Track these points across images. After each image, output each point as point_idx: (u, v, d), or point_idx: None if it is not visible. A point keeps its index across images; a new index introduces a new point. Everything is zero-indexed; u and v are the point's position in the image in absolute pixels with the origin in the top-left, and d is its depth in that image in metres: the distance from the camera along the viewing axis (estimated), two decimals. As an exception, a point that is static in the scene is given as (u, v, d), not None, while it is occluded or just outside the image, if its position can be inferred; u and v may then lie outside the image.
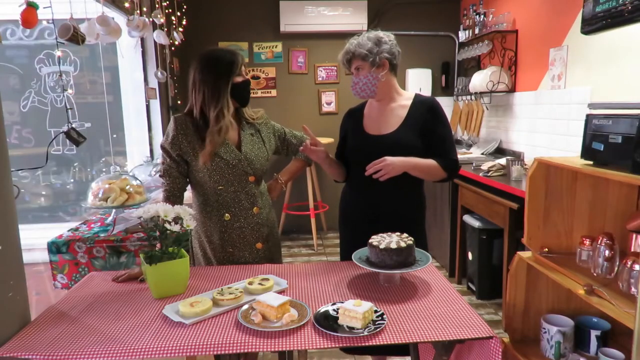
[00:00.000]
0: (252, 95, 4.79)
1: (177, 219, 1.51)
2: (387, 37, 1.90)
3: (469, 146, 4.44)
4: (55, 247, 2.09)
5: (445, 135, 1.91)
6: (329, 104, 5.03)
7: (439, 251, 4.04)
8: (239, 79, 1.80)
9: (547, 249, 1.72)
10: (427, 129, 1.89)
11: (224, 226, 1.83)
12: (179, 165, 1.80)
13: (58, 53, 2.12)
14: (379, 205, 1.93)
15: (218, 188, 1.80)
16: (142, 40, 3.40)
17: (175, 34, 3.57)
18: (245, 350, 1.18)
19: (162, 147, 1.81)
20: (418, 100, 1.95)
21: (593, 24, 2.67)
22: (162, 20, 3.02)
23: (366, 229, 1.81)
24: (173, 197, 1.80)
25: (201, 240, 1.89)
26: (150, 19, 2.98)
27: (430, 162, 1.86)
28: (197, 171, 1.79)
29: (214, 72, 1.75)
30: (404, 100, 1.96)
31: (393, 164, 1.75)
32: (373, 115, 1.99)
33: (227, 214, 1.83)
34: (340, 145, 2.10)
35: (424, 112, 1.91)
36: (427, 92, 4.85)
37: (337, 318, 1.29)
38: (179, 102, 4.20)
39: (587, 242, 1.59)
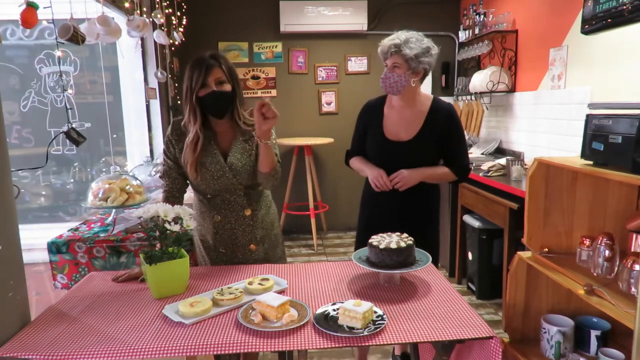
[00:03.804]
0: (252, 95, 4.85)
1: (177, 219, 1.51)
2: (434, 49, 1.93)
3: (469, 146, 4.44)
4: (55, 247, 2.09)
5: (461, 142, 2.03)
6: (329, 104, 5.03)
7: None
8: (202, 92, 1.68)
9: (547, 249, 1.72)
10: (445, 136, 1.99)
11: (216, 227, 1.84)
12: (179, 167, 1.81)
13: (58, 53, 2.12)
14: (399, 202, 2.00)
15: (207, 196, 1.82)
16: (142, 40, 3.40)
17: (175, 34, 3.57)
18: (245, 350, 1.18)
19: (164, 149, 1.83)
20: (436, 107, 2.01)
21: (593, 24, 2.67)
22: (162, 20, 3.02)
23: (386, 225, 1.89)
24: (172, 197, 1.80)
25: (196, 239, 1.92)
26: (150, 19, 2.98)
27: (443, 170, 2.00)
28: (189, 177, 1.80)
29: (185, 82, 1.71)
30: (423, 104, 2.02)
31: (410, 176, 1.92)
32: (393, 118, 2.04)
33: (217, 216, 1.82)
34: (360, 140, 2.13)
35: (443, 120, 1.99)
36: (427, 92, 4.82)
37: (337, 318, 1.28)
38: (179, 102, 4.20)
39: (587, 242, 1.59)
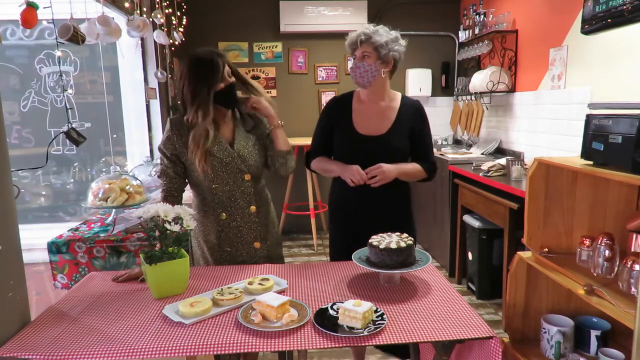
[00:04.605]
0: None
1: (177, 219, 1.51)
2: (403, 40, 1.95)
3: (469, 146, 4.44)
4: (55, 247, 2.09)
5: (429, 140, 2.05)
6: (329, 104, 5.03)
7: (439, 251, 4.04)
8: (221, 86, 1.75)
9: (547, 249, 1.72)
10: (415, 132, 1.99)
11: (221, 225, 1.83)
12: (176, 165, 1.80)
13: (58, 53, 2.12)
14: (371, 199, 1.96)
15: (213, 186, 1.80)
16: (142, 40, 3.40)
17: (175, 34, 3.57)
18: (245, 350, 1.18)
19: (159, 148, 1.82)
20: (406, 102, 2.02)
21: (593, 24, 2.67)
22: (162, 20, 3.02)
23: (359, 223, 1.88)
24: (171, 197, 1.79)
25: (199, 240, 1.89)
26: (150, 19, 2.98)
27: (416, 166, 1.98)
28: (193, 170, 1.79)
29: (194, 80, 1.72)
30: (393, 101, 2.01)
31: (389, 171, 1.86)
32: (363, 113, 2.00)
33: (223, 213, 1.82)
34: (325, 137, 2.05)
35: (413, 116, 2.00)
36: (427, 92, 4.85)
37: (337, 318, 1.28)
38: (178, 102, 4.19)
39: (587, 242, 1.59)
